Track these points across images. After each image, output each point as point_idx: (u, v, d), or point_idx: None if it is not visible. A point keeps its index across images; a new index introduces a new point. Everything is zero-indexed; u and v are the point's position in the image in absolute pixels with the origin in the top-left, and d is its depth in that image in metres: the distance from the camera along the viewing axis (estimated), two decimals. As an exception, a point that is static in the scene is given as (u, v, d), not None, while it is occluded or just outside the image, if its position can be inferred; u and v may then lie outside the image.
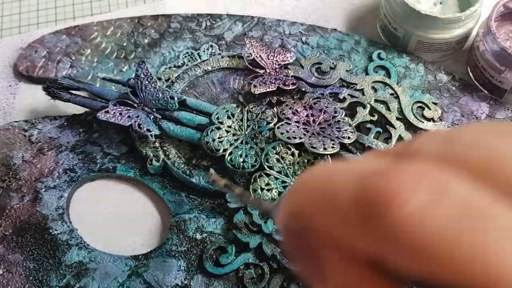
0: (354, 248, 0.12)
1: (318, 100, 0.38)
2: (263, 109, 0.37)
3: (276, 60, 0.40)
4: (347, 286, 0.13)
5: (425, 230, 0.10)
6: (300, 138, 0.35)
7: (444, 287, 0.11)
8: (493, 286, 0.10)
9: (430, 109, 0.38)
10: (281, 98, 0.38)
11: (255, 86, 0.38)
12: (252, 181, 0.34)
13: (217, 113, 0.36)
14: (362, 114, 0.38)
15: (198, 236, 0.33)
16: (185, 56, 0.42)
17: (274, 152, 0.34)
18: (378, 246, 0.11)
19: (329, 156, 0.34)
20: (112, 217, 0.36)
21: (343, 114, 0.37)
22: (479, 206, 0.10)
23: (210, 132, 0.35)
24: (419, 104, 0.38)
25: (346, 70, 0.40)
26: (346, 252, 0.12)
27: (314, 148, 0.34)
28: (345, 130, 0.36)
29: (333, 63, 0.41)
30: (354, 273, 0.12)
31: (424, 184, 0.11)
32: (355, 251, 0.12)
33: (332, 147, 0.34)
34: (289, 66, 0.40)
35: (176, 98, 0.37)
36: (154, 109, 0.37)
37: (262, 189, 0.33)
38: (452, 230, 0.10)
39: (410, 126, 0.37)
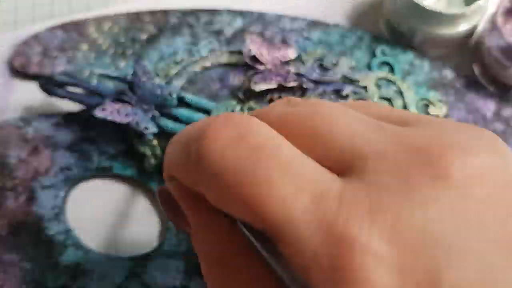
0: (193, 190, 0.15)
1: (320, 97, 0.37)
2: (263, 107, 0.36)
3: (277, 56, 0.39)
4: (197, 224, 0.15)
5: (223, 163, 0.12)
6: (302, 136, 0.34)
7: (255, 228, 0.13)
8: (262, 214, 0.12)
9: (435, 106, 0.37)
10: (282, 95, 0.38)
11: (255, 82, 0.37)
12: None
13: (216, 110, 0.36)
14: (365, 112, 0.37)
15: (198, 237, 0.33)
16: (184, 52, 0.41)
17: (275, 150, 0.34)
18: (196, 180, 0.14)
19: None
20: (110, 217, 0.35)
21: (346, 111, 0.36)
22: (271, 145, 0.13)
23: (210, 130, 0.35)
24: (424, 101, 0.38)
25: (349, 67, 0.39)
26: (190, 194, 0.15)
27: (316, 146, 0.33)
28: (348, 128, 0.35)
29: (335, 59, 0.40)
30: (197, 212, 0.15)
31: (234, 126, 0.13)
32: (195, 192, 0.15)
33: (335, 145, 0.33)
34: (290, 62, 0.39)
35: (174, 95, 0.36)
36: (152, 106, 0.36)
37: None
38: (242, 164, 0.12)
39: (414, 124, 0.37)
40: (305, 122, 0.14)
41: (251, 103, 0.36)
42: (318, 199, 0.12)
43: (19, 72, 0.41)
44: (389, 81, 0.39)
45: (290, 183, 0.12)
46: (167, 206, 0.18)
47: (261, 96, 0.38)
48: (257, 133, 0.13)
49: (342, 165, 0.13)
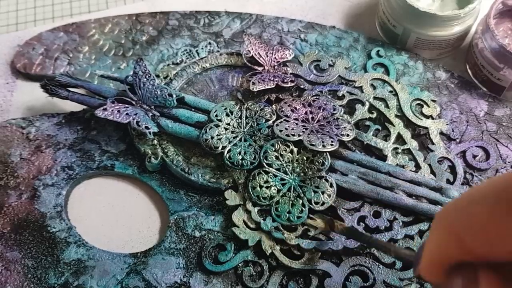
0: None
1: (317, 97, 0.38)
2: (261, 107, 0.37)
3: (275, 58, 0.40)
4: None
5: None
6: (299, 135, 0.35)
7: None
8: None
9: (429, 107, 0.38)
10: (280, 95, 0.38)
11: (253, 83, 0.38)
12: (251, 178, 0.34)
13: (215, 111, 0.36)
14: (361, 112, 0.38)
15: (197, 234, 0.33)
16: (183, 54, 0.42)
17: (273, 149, 0.34)
18: None
19: (327, 153, 0.34)
20: (111, 214, 0.35)
21: (342, 111, 0.37)
22: None
23: (209, 129, 0.35)
24: (418, 102, 0.38)
25: (345, 68, 0.40)
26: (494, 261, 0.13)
27: (313, 145, 0.34)
28: (344, 127, 0.36)
29: (332, 60, 0.40)
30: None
31: None
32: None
33: (331, 145, 0.34)
34: (287, 64, 0.40)
35: (174, 96, 0.37)
36: (153, 107, 0.37)
37: (261, 187, 0.33)
38: None
39: (409, 124, 0.37)
40: None
41: (249, 104, 0.37)
42: None
43: (21, 73, 0.42)
44: (384, 81, 0.39)
45: None
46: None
47: (259, 96, 0.38)
48: None
49: None
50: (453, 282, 0.14)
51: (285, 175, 0.34)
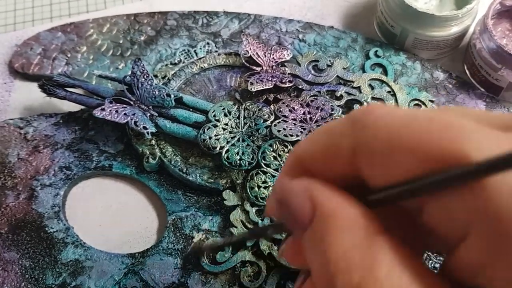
0: (341, 173, 0.15)
1: (315, 97, 0.38)
2: (260, 107, 0.37)
3: (273, 58, 0.40)
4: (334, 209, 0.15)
5: (391, 124, 0.14)
6: (297, 135, 0.35)
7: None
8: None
9: (427, 107, 0.38)
10: (278, 95, 0.38)
11: (252, 83, 0.38)
12: (249, 178, 0.34)
13: (213, 111, 0.36)
14: (359, 112, 0.38)
15: (195, 234, 0.33)
16: (182, 54, 0.42)
17: (271, 149, 0.34)
18: (359, 152, 0.15)
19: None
20: (108, 215, 0.35)
21: (340, 111, 0.37)
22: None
23: (207, 129, 0.35)
24: (416, 102, 0.38)
25: (343, 68, 0.40)
26: (332, 180, 0.15)
27: (311, 145, 0.34)
28: (342, 127, 0.36)
29: (330, 60, 0.41)
30: (340, 196, 0.15)
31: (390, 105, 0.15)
32: (342, 176, 0.15)
33: (329, 145, 0.34)
34: (286, 64, 0.40)
35: (172, 96, 0.37)
36: (151, 107, 0.37)
37: (259, 187, 0.33)
38: (411, 120, 0.14)
39: (406, 124, 0.37)
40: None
41: (248, 104, 0.37)
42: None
43: (19, 72, 0.42)
44: (382, 82, 0.40)
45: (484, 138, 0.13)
46: (285, 207, 0.17)
47: (257, 96, 0.38)
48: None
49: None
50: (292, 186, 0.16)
51: (283, 176, 0.34)
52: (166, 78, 0.40)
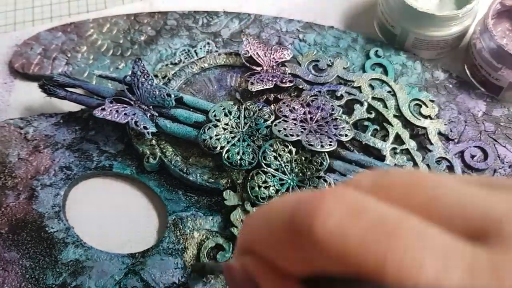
0: (287, 266, 0.14)
1: (316, 97, 0.38)
2: (260, 107, 0.37)
3: (273, 58, 0.40)
4: None
5: (342, 242, 0.12)
6: (298, 135, 0.35)
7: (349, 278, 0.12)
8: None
9: (427, 107, 0.38)
10: (278, 95, 0.38)
11: (252, 83, 0.38)
12: (249, 178, 0.34)
13: (214, 111, 0.36)
14: (360, 112, 0.38)
15: (196, 234, 0.33)
16: (182, 54, 0.42)
17: (272, 149, 0.34)
18: (301, 256, 0.13)
19: (326, 154, 0.34)
20: (109, 215, 0.35)
21: (340, 111, 0.37)
22: (394, 219, 0.12)
23: (207, 129, 0.35)
24: (416, 102, 0.38)
25: (343, 68, 0.40)
26: (278, 270, 0.14)
27: (312, 145, 0.34)
28: (343, 127, 0.36)
29: (330, 60, 0.41)
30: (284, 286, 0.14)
31: (343, 203, 0.12)
32: (287, 269, 0.14)
33: (330, 145, 0.34)
34: (286, 64, 0.40)
35: (172, 96, 0.37)
36: (151, 107, 0.37)
37: (259, 187, 0.33)
38: (367, 241, 0.12)
39: (407, 124, 0.37)
40: (413, 187, 0.13)
41: (248, 104, 0.37)
42: (470, 273, 0.11)
43: (19, 72, 0.42)
44: (383, 81, 0.40)
45: (436, 259, 0.11)
46: (234, 284, 0.17)
47: (258, 96, 0.38)
48: (374, 206, 0.12)
49: (472, 230, 0.12)
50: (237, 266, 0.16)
51: (283, 175, 0.34)
52: (167, 78, 0.40)
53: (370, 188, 0.14)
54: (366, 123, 0.37)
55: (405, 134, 0.37)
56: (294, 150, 0.34)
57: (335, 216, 0.12)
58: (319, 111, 0.37)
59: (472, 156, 0.37)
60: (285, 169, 0.34)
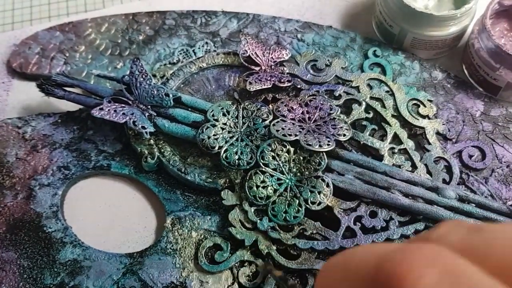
0: None
1: (314, 97, 0.38)
2: (258, 106, 0.37)
3: (272, 57, 0.40)
4: None
5: None
6: (296, 135, 0.35)
7: None
8: None
9: (425, 106, 0.38)
10: (277, 95, 0.38)
11: (250, 83, 0.38)
12: (247, 178, 0.34)
13: (212, 110, 0.36)
14: (358, 111, 0.38)
15: (194, 234, 0.33)
16: (180, 53, 0.42)
17: (270, 149, 0.34)
18: None
19: (324, 153, 0.34)
20: (107, 214, 0.35)
21: (339, 111, 0.37)
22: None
23: (206, 129, 0.35)
24: (414, 101, 0.38)
25: (342, 67, 0.40)
26: None
27: (310, 145, 0.34)
28: (341, 127, 0.36)
29: (328, 60, 0.41)
30: None
31: (436, 266, 0.11)
32: None
33: (328, 145, 0.34)
34: (284, 63, 0.40)
35: (171, 95, 0.37)
36: (149, 106, 0.37)
37: (257, 187, 0.33)
38: None
39: (405, 123, 0.37)
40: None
41: (246, 103, 0.37)
42: None
43: (17, 72, 0.42)
44: (381, 81, 0.40)
45: None
46: None
47: (256, 96, 0.38)
48: (469, 275, 0.11)
49: None
50: None
51: (281, 175, 0.34)
52: (165, 77, 0.40)
53: (460, 246, 0.12)
54: (364, 122, 0.37)
55: (403, 134, 0.37)
56: (292, 150, 0.34)
57: (428, 280, 0.11)
58: (317, 110, 0.37)
59: (470, 156, 0.37)
60: (283, 169, 0.34)
